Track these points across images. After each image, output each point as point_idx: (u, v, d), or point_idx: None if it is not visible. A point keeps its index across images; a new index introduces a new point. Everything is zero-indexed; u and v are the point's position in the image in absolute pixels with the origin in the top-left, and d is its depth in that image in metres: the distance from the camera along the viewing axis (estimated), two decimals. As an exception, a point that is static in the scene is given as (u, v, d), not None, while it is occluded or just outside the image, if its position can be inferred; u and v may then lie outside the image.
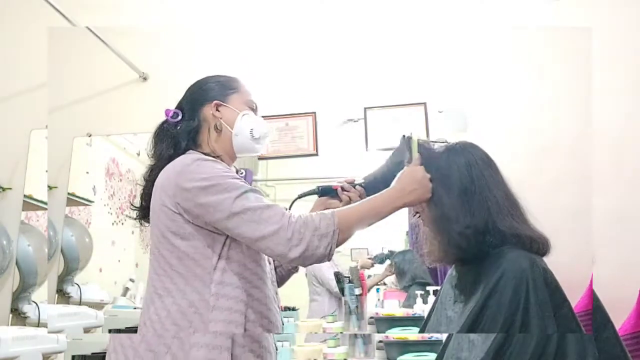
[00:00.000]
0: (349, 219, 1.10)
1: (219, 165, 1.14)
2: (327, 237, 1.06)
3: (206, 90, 1.27)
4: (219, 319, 1.08)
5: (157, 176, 1.18)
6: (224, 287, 1.10)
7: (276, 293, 1.25)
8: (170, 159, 1.18)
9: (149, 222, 1.22)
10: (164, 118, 1.27)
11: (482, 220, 1.12)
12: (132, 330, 2.14)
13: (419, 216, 1.24)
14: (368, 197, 1.17)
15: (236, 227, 1.07)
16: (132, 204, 1.29)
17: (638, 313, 1.61)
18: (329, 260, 1.09)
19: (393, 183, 1.17)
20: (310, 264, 1.09)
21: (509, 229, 1.11)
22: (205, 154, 1.19)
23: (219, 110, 1.25)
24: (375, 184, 1.29)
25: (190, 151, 1.20)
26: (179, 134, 1.22)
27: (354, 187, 1.33)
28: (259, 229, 1.05)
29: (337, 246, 1.09)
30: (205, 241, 1.11)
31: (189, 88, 1.31)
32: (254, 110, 1.30)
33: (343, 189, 1.33)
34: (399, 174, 1.19)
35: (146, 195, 1.23)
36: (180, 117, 1.24)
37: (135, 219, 1.28)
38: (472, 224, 1.11)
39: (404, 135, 1.28)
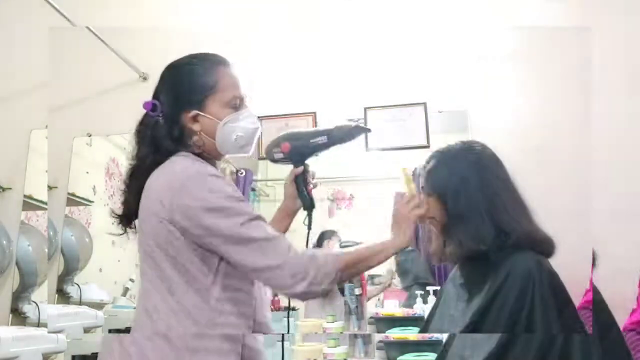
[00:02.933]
0: (352, 264, 1.10)
1: (224, 183, 1.07)
2: (329, 276, 1.05)
3: (182, 94, 1.15)
4: (220, 335, 1.05)
5: (140, 181, 1.11)
6: (223, 303, 1.06)
7: (266, 293, 1.23)
8: (156, 162, 1.11)
9: (132, 229, 1.16)
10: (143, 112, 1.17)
11: (492, 220, 1.12)
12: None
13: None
14: (374, 244, 1.15)
15: (237, 254, 1.03)
16: (113, 212, 1.17)
17: None
18: (323, 297, 1.09)
19: (393, 232, 1.17)
20: (306, 300, 1.09)
21: (516, 229, 1.11)
22: (195, 154, 1.14)
23: (197, 121, 1.13)
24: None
25: (182, 154, 1.12)
26: (161, 138, 1.12)
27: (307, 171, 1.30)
28: (263, 260, 1.02)
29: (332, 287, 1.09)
30: (202, 256, 1.06)
31: (164, 80, 1.19)
32: (238, 106, 1.16)
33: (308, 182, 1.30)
34: (396, 220, 1.18)
35: (128, 202, 1.15)
36: (159, 110, 1.14)
37: (121, 233, 1.17)
38: (482, 224, 1.11)
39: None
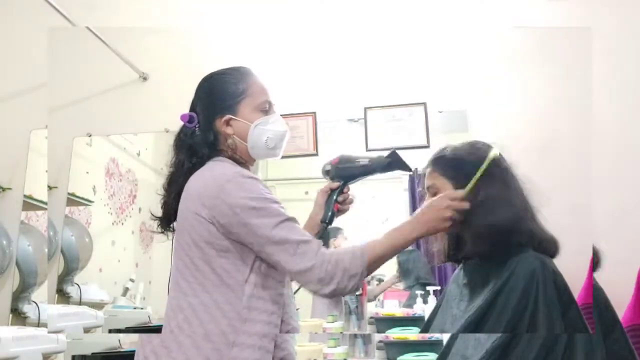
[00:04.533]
0: (377, 258, 1.12)
1: (261, 185, 1.13)
2: (355, 277, 1.09)
3: (216, 101, 1.23)
4: (252, 332, 1.09)
5: (179, 185, 1.18)
6: (257, 300, 1.11)
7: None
8: (193, 168, 1.18)
9: (170, 230, 1.23)
10: (174, 122, 1.25)
11: (495, 220, 1.11)
12: (132, 330, 2.15)
13: None
14: (393, 231, 1.15)
15: (272, 255, 1.08)
16: (152, 214, 1.26)
17: (635, 305, 1.62)
18: (351, 294, 1.12)
19: (417, 214, 1.17)
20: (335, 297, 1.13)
21: (519, 229, 1.11)
22: (229, 157, 1.20)
23: (230, 125, 1.21)
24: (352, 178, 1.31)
25: (219, 159, 1.20)
26: (197, 144, 1.20)
27: (343, 191, 1.31)
28: (294, 263, 1.07)
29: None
30: (237, 254, 1.11)
31: (199, 91, 1.27)
32: (268, 110, 1.25)
33: (339, 202, 1.30)
34: (425, 205, 1.16)
35: (167, 204, 1.23)
36: (196, 122, 1.22)
37: (159, 232, 1.25)
38: (486, 224, 1.11)
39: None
